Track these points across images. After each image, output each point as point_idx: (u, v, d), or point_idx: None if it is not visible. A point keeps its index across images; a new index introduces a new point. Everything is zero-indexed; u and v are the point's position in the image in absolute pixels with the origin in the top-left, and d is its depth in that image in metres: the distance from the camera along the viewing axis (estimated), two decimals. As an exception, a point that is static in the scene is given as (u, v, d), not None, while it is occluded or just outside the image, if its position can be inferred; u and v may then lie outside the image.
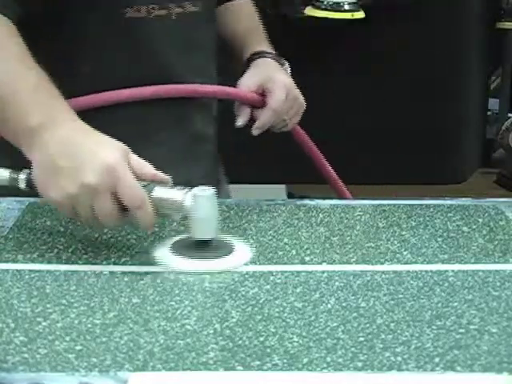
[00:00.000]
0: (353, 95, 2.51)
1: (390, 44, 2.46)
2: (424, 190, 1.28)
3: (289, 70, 1.27)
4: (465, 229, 1.01)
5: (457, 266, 0.90)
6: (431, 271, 0.88)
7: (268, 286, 0.84)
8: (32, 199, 1.08)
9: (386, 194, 1.18)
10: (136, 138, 0.95)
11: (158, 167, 0.91)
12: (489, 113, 3.37)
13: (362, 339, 0.73)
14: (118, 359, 0.69)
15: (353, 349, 0.71)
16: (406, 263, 0.91)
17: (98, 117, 0.99)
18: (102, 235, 0.97)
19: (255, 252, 0.93)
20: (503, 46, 3.18)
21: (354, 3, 2.34)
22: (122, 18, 1.08)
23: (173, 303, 0.80)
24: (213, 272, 0.87)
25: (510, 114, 3.25)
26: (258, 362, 0.69)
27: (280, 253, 0.93)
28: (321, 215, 1.05)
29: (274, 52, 1.26)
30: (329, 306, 0.79)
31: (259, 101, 1.20)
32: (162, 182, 0.89)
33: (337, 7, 2.35)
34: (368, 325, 0.75)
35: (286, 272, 0.88)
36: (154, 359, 0.69)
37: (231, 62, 1.27)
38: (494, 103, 3.32)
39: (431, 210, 1.08)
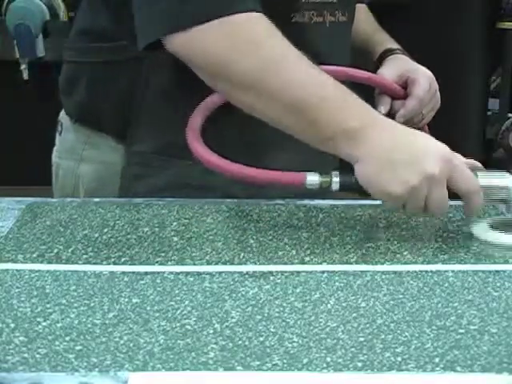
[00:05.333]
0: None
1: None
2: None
3: None
4: (465, 229, 1.01)
5: (457, 266, 0.90)
6: (431, 271, 0.88)
7: (268, 286, 0.84)
8: (32, 199, 1.08)
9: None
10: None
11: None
12: (489, 113, 3.37)
13: (361, 339, 0.73)
14: (118, 359, 0.69)
15: (353, 349, 0.71)
16: (405, 263, 0.91)
17: None
18: (101, 235, 0.97)
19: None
20: (503, 46, 3.18)
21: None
22: (289, 21, 1.10)
23: (173, 303, 0.80)
24: None
25: (510, 114, 3.25)
26: (257, 362, 0.69)
27: (280, 253, 0.93)
28: (321, 215, 1.05)
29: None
30: (329, 306, 0.79)
31: (401, 91, 1.19)
32: (476, 169, 0.95)
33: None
34: (368, 325, 0.75)
35: (285, 272, 0.88)
36: (154, 359, 0.69)
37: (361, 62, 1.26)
38: (493, 103, 3.32)
39: (431, 210, 1.08)
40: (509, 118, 3.23)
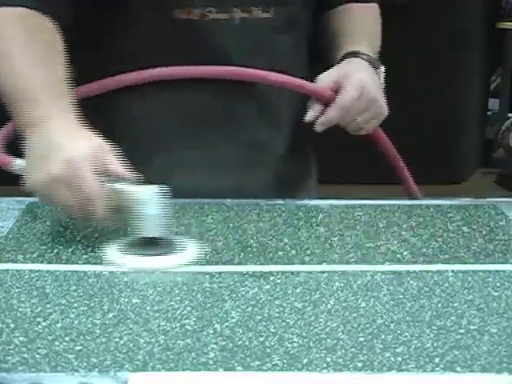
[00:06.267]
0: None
1: (390, 43, 2.46)
2: (424, 189, 1.27)
3: (382, 74, 1.20)
4: (465, 229, 1.01)
5: (457, 266, 0.90)
6: (431, 271, 0.88)
7: (268, 286, 0.84)
8: (32, 199, 1.08)
9: (386, 194, 1.18)
10: (184, 138, 1.06)
11: (205, 171, 1.03)
12: (489, 113, 3.37)
13: (361, 339, 0.73)
14: (118, 359, 0.69)
15: (353, 349, 0.71)
16: (405, 263, 0.91)
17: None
18: (101, 235, 0.97)
19: (205, 252, 0.92)
20: (503, 46, 3.18)
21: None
22: (169, 18, 1.09)
23: (173, 303, 0.80)
24: (153, 269, 0.88)
25: (510, 114, 3.26)
26: (257, 363, 0.69)
27: (280, 253, 0.93)
28: (321, 215, 1.05)
29: (373, 55, 1.18)
30: (329, 306, 0.79)
31: (329, 97, 1.12)
32: (127, 180, 0.91)
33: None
34: (368, 325, 0.75)
35: (285, 272, 0.88)
36: (154, 359, 0.69)
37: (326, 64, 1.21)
38: (493, 103, 3.33)
39: (431, 210, 1.08)
40: (509, 117, 3.23)
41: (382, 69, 1.20)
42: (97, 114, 1.03)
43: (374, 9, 1.28)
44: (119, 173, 0.91)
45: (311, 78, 1.15)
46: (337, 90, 1.12)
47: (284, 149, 1.20)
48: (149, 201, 0.89)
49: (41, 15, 1.04)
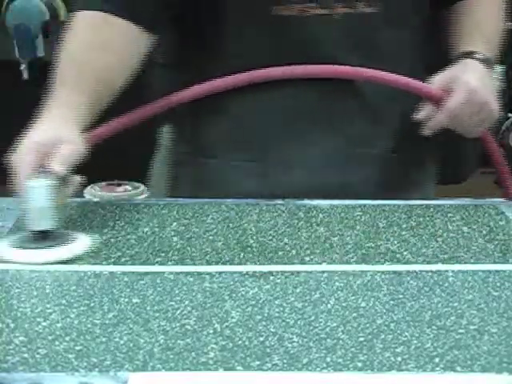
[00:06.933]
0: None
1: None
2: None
3: (497, 76, 1.18)
4: (465, 229, 1.01)
5: (457, 266, 0.90)
6: (431, 271, 0.88)
7: (268, 286, 0.84)
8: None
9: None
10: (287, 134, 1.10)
11: (307, 168, 1.08)
12: (489, 113, 3.35)
13: (361, 339, 0.73)
14: (118, 359, 0.69)
15: (353, 349, 0.71)
16: (405, 263, 0.91)
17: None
18: (101, 235, 0.97)
19: (95, 245, 0.93)
20: (503, 46, 3.17)
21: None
22: (268, 15, 1.09)
23: (173, 303, 0.80)
24: (41, 262, 0.88)
25: (510, 114, 3.25)
26: (257, 362, 0.69)
27: (280, 253, 0.93)
28: (321, 215, 1.05)
29: (489, 54, 1.16)
30: (329, 306, 0.79)
31: (437, 95, 1.11)
32: (53, 174, 0.92)
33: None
34: (368, 325, 0.75)
35: (285, 272, 0.88)
36: (154, 359, 0.69)
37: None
38: (493, 103, 3.31)
39: (431, 209, 1.08)
40: (509, 117, 3.23)
41: (499, 68, 1.19)
42: (195, 113, 1.11)
43: (496, 2, 1.23)
44: (50, 167, 0.92)
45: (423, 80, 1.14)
46: (447, 93, 1.11)
47: (388, 146, 1.19)
48: (36, 193, 0.90)
49: (122, 20, 1.06)
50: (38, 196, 0.90)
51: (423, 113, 1.12)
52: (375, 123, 1.17)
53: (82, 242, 0.93)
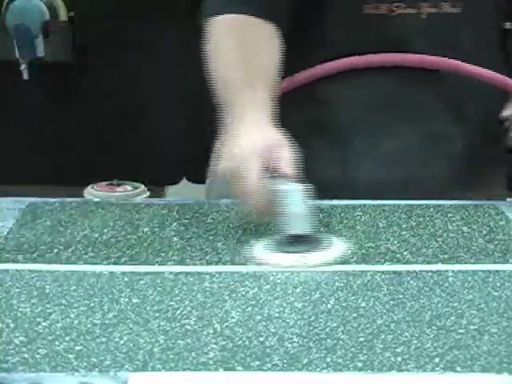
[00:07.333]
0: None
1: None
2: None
3: None
4: (465, 229, 1.01)
5: (457, 266, 0.90)
6: (431, 271, 0.88)
7: (268, 286, 0.84)
8: (32, 199, 1.08)
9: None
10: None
11: (383, 161, 1.09)
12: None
13: (362, 339, 0.73)
14: (118, 359, 0.69)
15: (353, 349, 0.71)
16: (405, 263, 0.91)
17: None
18: (101, 235, 0.97)
19: (351, 249, 0.94)
20: (504, 47, 3.17)
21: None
22: (359, 13, 1.12)
23: (173, 303, 0.80)
24: (307, 266, 0.89)
25: (510, 114, 3.24)
26: (257, 362, 0.69)
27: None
28: (321, 215, 1.05)
29: None
30: (329, 306, 0.79)
31: None
32: (287, 178, 0.93)
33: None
34: (368, 325, 0.75)
35: (285, 272, 0.88)
36: (154, 359, 0.69)
37: None
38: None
39: (431, 210, 1.08)
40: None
41: None
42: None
43: None
44: (282, 170, 0.93)
45: None
46: None
47: (466, 142, 1.20)
48: (293, 198, 0.90)
49: (261, 20, 1.08)
50: (294, 200, 0.90)
51: (508, 112, 1.12)
52: (457, 120, 1.18)
53: (337, 247, 0.93)
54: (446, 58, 1.13)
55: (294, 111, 1.16)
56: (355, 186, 1.14)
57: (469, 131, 1.19)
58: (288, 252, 0.91)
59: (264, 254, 0.91)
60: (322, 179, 1.11)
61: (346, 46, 1.14)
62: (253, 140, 0.95)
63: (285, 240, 0.92)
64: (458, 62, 1.13)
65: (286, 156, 0.94)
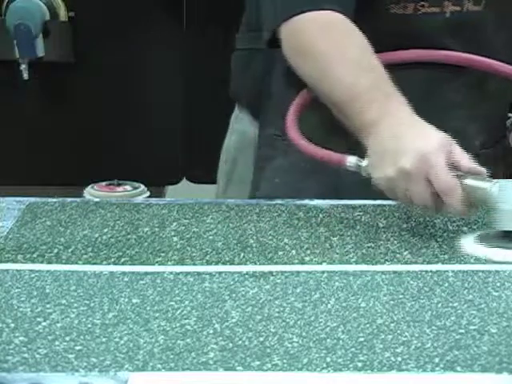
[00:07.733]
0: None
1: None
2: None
3: None
4: (465, 229, 1.01)
5: (457, 266, 0.90)
6: (431, 271, 0.88)
7: (268, 286, 0.84)
8: (32, 199, 1.08)
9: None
10: None
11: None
12: (489, 113, 3.35)
13: (361, 339, 0.73)
14: (118, 359, 0.69)
15: (353, 349, 0.71)
16: (405, 263, 0.91)
17: None
18: (102, 235, 0.97)
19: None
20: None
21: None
22: (385, 13, 1.12)
23: (173, 303, 0.80)
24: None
25: (510, 114, 3.25)
26: (257, 362, 0.69)
27: (280, 253, 0.93)
28: (321, 215, 1.05)
29: None
30: (329, 306, 0.79)
31: None
32: (477, 174, 0.93)
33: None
34: (368, 325, 0.75)
35: (285, 272, 0.88)
36: (154, 359, 0.69)
37: None
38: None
39: (431, 210, 1.08)
40: (509, 117, 3.22)
41: None
42: None
43: None
44: (470, 167, 0.93)
45: None
46: None
47: (482, 140, 1.21)
48: (505, 195, 0.91)
49: (342, 16, 1.06)
50: (508, 197, 0.91)
51: None
52: (475, 117, 1.19)
53: None
54: (486, 58, 1.14)
55: (311, 111, 1.16)
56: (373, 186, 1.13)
57: (484, 129, 1.21)
58: (501, 247, 0.92)
59: (477, 249, 0.93)
60: (339, 180, 1.12)
61: (370, 44, 1.13)
62: (428, 139, 0.94)
63: (494, 235, 0.94)
64: (498, 63, 1.14)
65: (461, 152, 0.94)
